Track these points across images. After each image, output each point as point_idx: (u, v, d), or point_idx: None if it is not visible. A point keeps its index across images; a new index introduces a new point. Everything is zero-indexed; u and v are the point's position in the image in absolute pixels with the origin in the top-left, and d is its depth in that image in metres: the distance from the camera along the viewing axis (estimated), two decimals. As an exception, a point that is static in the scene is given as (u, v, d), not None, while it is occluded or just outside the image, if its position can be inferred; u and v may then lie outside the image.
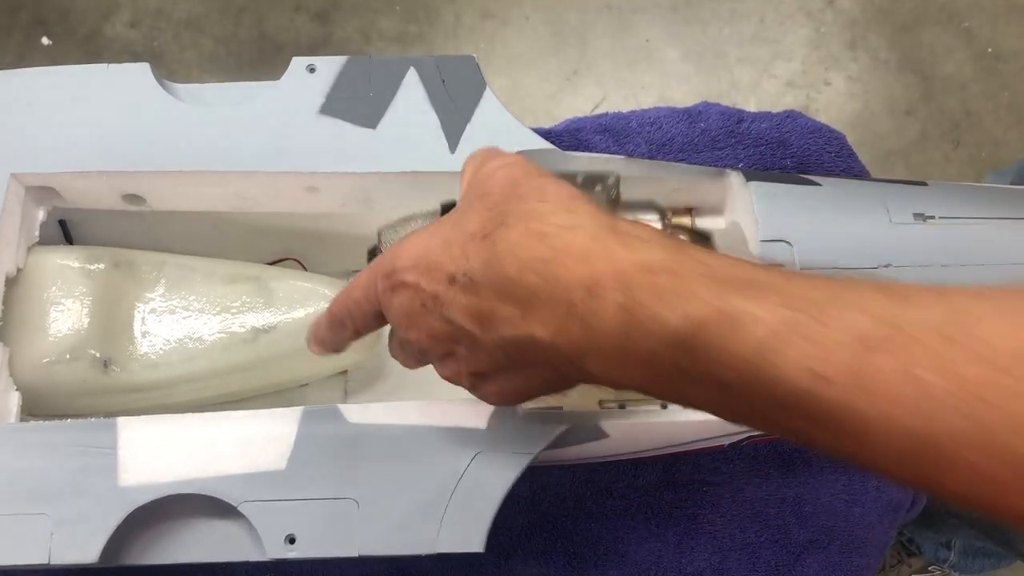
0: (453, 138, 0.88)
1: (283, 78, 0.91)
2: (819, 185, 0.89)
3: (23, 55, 2.31)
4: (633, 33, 2.33)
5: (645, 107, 2.30)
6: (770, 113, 1.10)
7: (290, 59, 0.90)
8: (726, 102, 2.27)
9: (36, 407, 0.90)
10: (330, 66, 0.91)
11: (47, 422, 0.81)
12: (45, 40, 2.32)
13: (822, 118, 2.38)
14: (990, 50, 2.32)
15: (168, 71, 2.28)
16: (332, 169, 0.88)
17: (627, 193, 0.96)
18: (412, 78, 0.91)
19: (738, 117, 1.09)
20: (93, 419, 0.81)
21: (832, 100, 2.31)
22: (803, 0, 2.35)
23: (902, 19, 2.34)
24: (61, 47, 2.32)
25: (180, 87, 0.93)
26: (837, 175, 1.07)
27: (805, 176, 0.91)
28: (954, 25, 2.35)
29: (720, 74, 2.30)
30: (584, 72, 2.29)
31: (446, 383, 1.02)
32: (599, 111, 2.26)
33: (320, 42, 2.23)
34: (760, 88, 2.29)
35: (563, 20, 2.33)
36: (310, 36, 2.24)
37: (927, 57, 2.33)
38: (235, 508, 0.78)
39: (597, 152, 1.08)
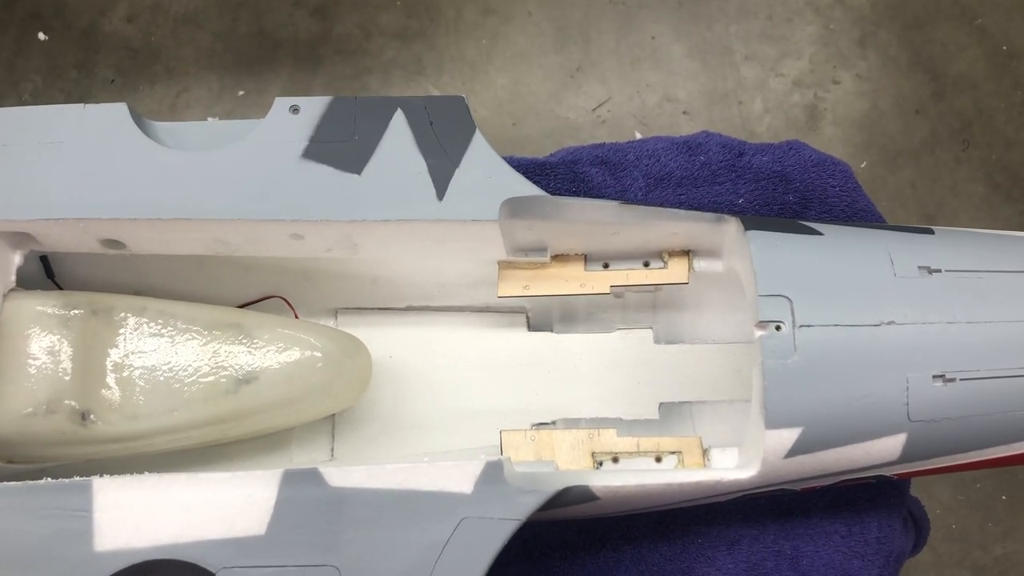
0: (441, 184, 0.85)
1: (266, 119, 0.88)
2: (821, 234, 0.86)
3: (19, 50, 2.27)
4: (638, 29, 2.27)
5: (649, 105, 2.29)
6: (771, 145, 1.06)
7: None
8: (732, 101, 2.25)
9: (14, 454, 0.88)
10: (314, 107, 0.88)
11: (21, 484, 0.79)
12: (41, 35, 2.28)
13: (830, 117, 2.36)
14: (1004, 48, 2.26)
15: (165, 67, 2.24)
16: (316, 217, 0.85)
17: (622, 236, 0.93)
18: (399, 120, 0.88)
19: (739, 149, 1.05)
20: (68, 480, 0.78)
21: (840, 99, 2.26)
22: (812, -5, 2.30)
23: (913, 15, 2.28)
24: (58, 43, 2.28)
25: (159, 126, 0.90)
26: (841, 210, 1.03)
27: (806, 224, 0.88)
28: (967, 21, 2.29)
29: (726, 72, 2.25)
30: (587, 69, 2.24)
31: (434, 429, 0.99)
32: (603, 111, 2.22)
33: (319, 38, 2.18)
34: (767, 87, 2.24)
35: (567, 16, 2.27)
36: (309, 32, 2.19)
37: (939, 54, 2.27)
38: (214, 575, 0.76)
39: (593, 185, 1.05)
